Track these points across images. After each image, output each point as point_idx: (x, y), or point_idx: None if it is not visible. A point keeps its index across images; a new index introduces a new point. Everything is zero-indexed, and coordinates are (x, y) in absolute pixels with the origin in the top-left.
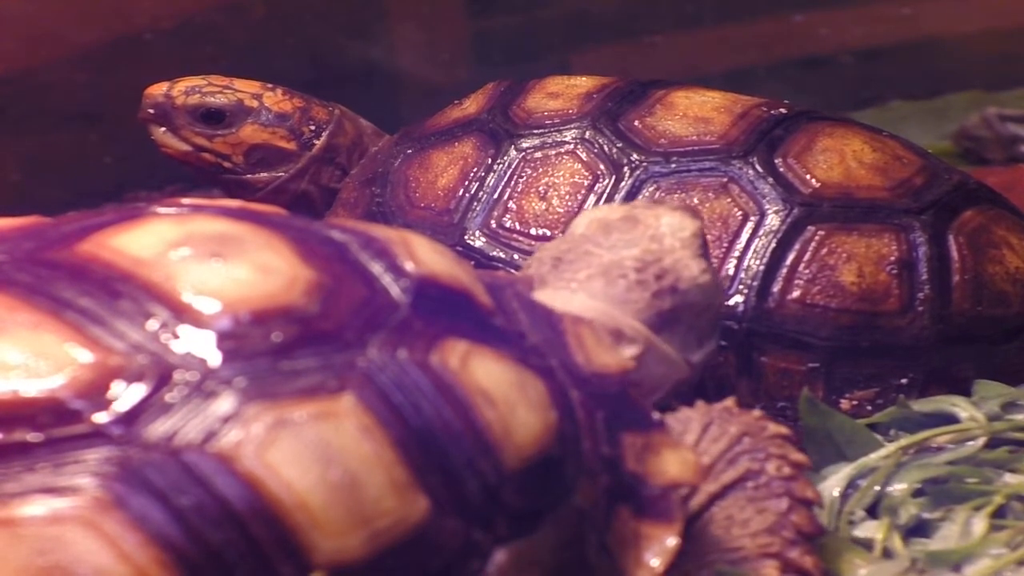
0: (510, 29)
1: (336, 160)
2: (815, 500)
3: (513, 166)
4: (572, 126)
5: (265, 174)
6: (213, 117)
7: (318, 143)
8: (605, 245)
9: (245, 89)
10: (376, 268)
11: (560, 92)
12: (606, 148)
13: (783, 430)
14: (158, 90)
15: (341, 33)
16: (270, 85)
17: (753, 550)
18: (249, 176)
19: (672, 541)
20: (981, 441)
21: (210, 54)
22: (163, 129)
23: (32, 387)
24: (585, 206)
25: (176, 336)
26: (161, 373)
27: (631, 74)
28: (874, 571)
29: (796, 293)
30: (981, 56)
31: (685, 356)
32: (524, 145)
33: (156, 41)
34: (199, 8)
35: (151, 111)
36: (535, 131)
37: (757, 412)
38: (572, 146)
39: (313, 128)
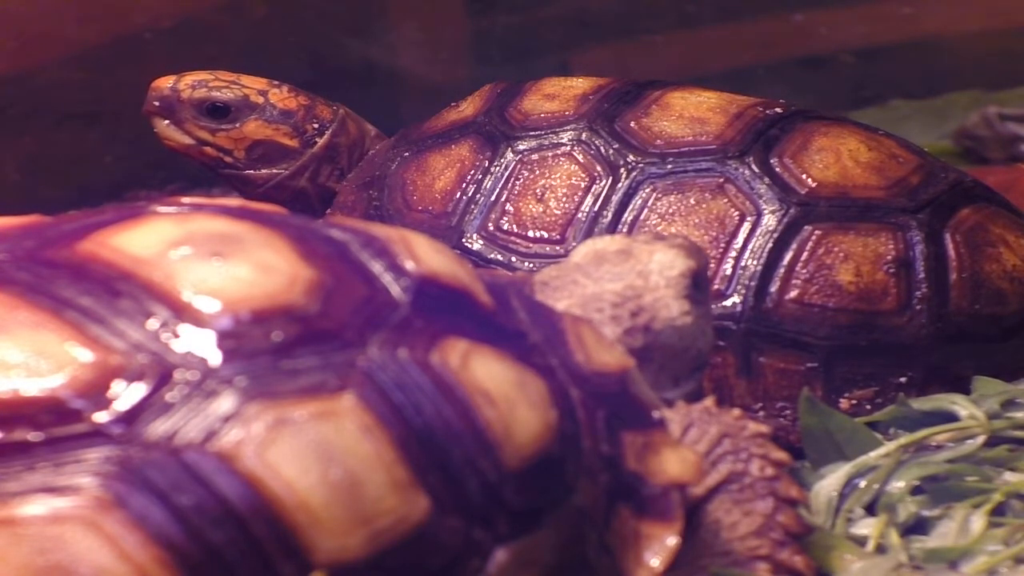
0: (510, 29)
1: (336, 160)
2: (800, 499)
3: (510, 168)
4: (568, 128)
5: (265, 170)
6: (218, 111)
7: (320, 141)
8: (593, 276)
9: (251, 85)
10: (376, 267)
11: (556, 94)
12: (603, 149)
13: (763, 428)
14: (165, 83)
15: (341, 33)
16: (276, 82)
17: (743, 553)
18: (250, 172)
19: (672, 540)
20: (981, 439)
21: (210, 54)
22: (166, 122)
23: (32, 386)
24: (582, 208)
25: (176, 335)
26: (161, 372)
27: (631, 74)
28: (867, 566)
29: (794, 293)
30: (981, 55)
31: (658, 394)
32: (521, 147)
33: (156, 40)
34: (199, 7)
35: (157, 103)
36: (532, 133)
37: (736, 411)
38: (569, 148)
39: (316, 126)
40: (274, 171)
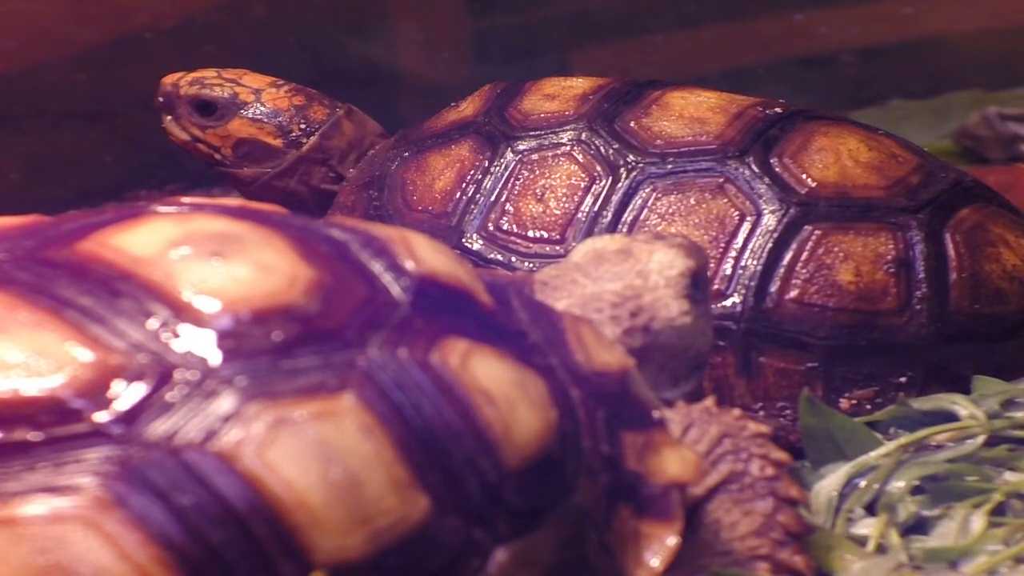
0: (510, 28)
1: (328, 162)
2: (800, 499)
3: (510, 168)
4: (568, 128)
5: (250, 169)
6: (207, 108)
7: (307, 143)
8: (593, 276)
9: (248, 83)
10: (376, 267)
11: (556, 94)
12: (603, 149)
13: (763, 428)
14: (170, 80)
15: (342, 32)
16: (280, 81)
17: (743, 552)
18: (236, 170)
19: (672, 540)
20: (980, 439)
21: (211, 53)
22: (169, 117)
23: (33, 386)
24: (582, 207)
25: (176, 335)
26: (161, 372)
27: (631, 73)
28: (867, 566)
29: (794, 293)
30: (981, 55)
31: (657, 394)
32: (521, 147)
33: (157, 40)
34: (200, 7)
35: (161, 99)
36: (531, 133)
37: (736, 411)
38: (568, 148)
39: (303, 127)
40: (260, 170)
